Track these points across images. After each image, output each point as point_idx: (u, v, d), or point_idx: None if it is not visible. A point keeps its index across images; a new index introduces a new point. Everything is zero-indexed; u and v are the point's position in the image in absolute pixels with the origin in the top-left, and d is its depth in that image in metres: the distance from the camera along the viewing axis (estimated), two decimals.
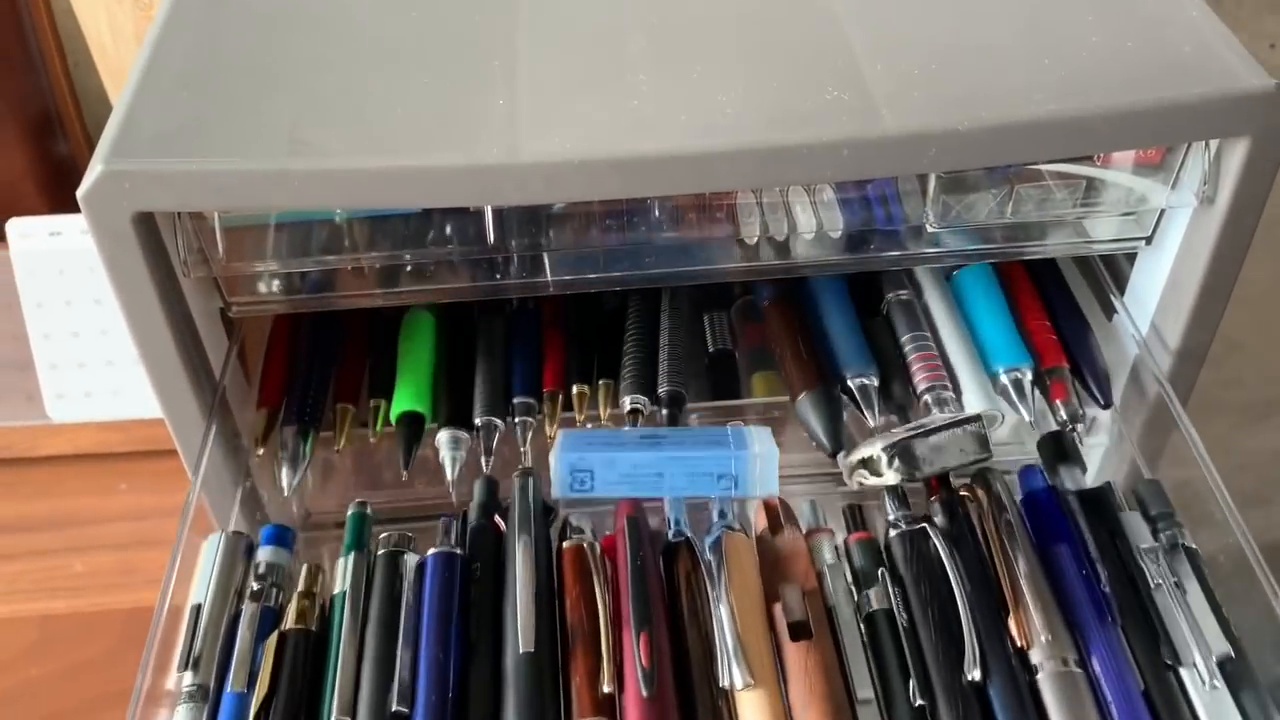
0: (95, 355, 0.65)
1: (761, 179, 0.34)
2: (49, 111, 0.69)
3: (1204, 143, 0.36)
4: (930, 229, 0.40)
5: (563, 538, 0.36)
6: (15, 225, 0.62)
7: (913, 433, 0.37)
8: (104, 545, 0.63)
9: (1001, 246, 0.40)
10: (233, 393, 0.41)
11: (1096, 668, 0.34)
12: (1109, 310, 0.44)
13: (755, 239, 0.39)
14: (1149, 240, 0.40)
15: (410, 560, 0.36)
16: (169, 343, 0.36)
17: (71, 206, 0.63)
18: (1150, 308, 0.41)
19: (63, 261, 0.63)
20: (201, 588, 0.38)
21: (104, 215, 0.34)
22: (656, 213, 0.37)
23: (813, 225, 0.39)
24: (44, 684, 0.57)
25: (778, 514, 0.37)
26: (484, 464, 0.40)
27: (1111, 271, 0.44)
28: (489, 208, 0.36)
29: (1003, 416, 0.43)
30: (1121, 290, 0.43)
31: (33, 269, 0.63)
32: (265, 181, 0.33)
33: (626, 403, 0.41)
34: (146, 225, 0.34)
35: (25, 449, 0.66)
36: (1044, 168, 0.38)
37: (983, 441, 0.38)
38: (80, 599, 0.60)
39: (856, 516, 0.39)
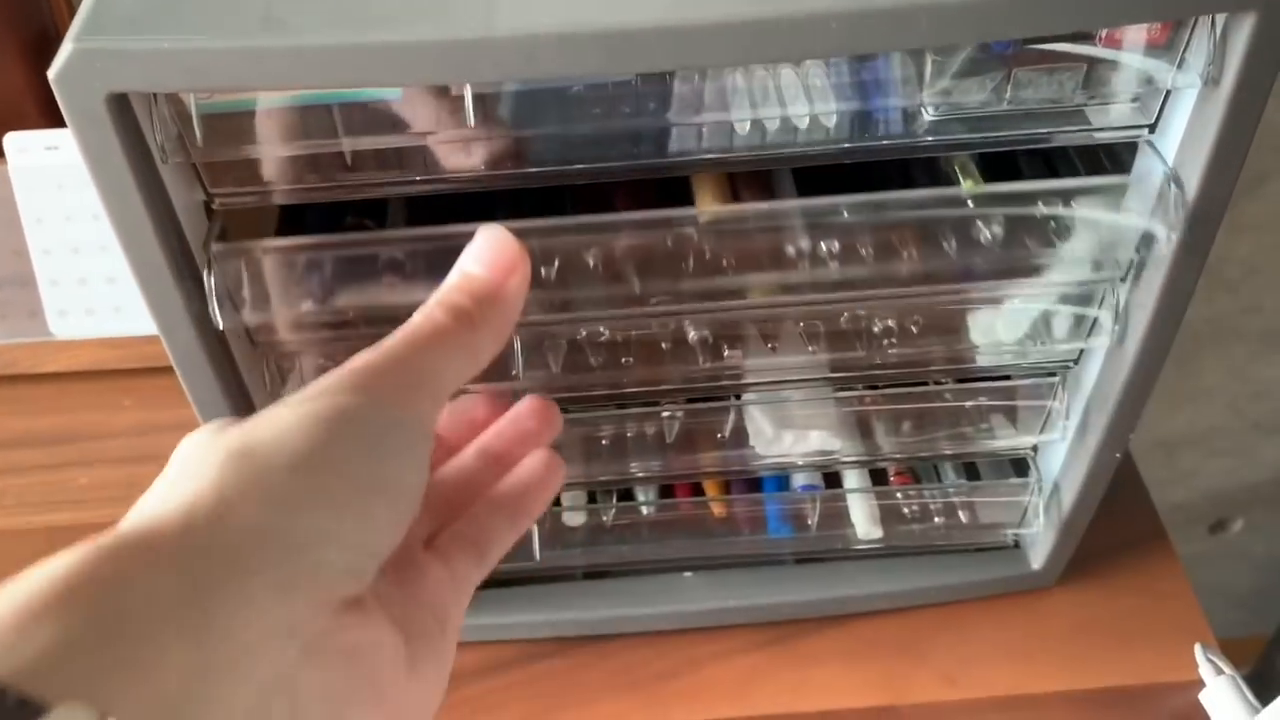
0: (96, 271, 0.65)
1: (747, 54, 0.33)
2: (47, 29, 0.68)
3: (1210, 19, 0.35)
4: (926, 117, 0.38)
5: None
6: (12, 139, 0.62)
7: None
8: (108, 460, 0.64)
9: (999, 135, 0.39)
10: None
11: None
12: None
13: (747, 128, 0.38)
14: (1152, 128, 0.39)
15: None
16: (149, 233, 0.36)
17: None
18: (1152, 199, 0.40)
19: (61, 176, 0.63)
20: None
21: (76, 96, 0.33)
22: (643, 95, 0.36)
23: (805, 112, 0.38)
24: None
25: None
26: None
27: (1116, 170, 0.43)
28: (469, 88, 0.35)
29: None
30: None
31: (31, 184, 0.63)
32: (238, 60, 0.32)
33: None
34: (121, 108, 0.34)
35: (29, 365, 0.66)
36: (1044, 48, 0.36)
37: None
38: (85, 512, 0.61)
39: None
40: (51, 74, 0.33)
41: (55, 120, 0.65)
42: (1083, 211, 0.41)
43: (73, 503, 0.61)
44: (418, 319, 0.31)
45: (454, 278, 0.32)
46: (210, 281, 0.38)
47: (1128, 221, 0.40)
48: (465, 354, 0.31)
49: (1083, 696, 0.52)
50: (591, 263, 0.40)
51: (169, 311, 0.38)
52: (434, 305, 0.31)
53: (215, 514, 0.25)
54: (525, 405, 0.37)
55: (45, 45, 0.68)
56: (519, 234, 0.32)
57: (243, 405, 0.42)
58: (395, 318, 0.35)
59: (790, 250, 0.40)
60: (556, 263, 0.40)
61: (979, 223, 0.41)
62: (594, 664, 0.53)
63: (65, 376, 0.66)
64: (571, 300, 0.42)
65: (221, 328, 0.39)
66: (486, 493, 0.35)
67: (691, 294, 0.42)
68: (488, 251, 0.32)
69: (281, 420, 0.27)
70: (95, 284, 0.65)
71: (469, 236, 0.33)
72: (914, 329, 0.46)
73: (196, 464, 0.27)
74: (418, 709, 0.29)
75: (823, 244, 0.40)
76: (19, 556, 0.58)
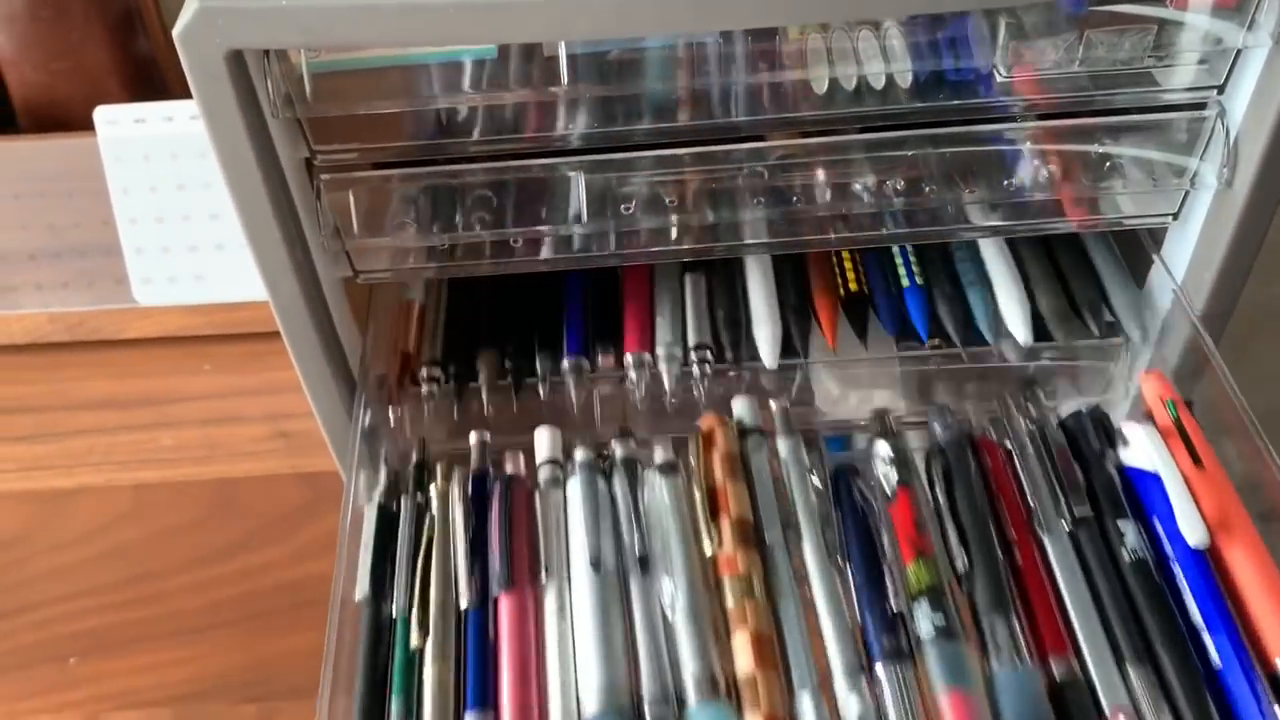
0: (179, 240, 0.67)
1: (830, 11, 0.34)
2: (130, 11, 0.71)
3: None
4: (1000, 78, 0.40)
5: None
6: (102, 112, 0.65)
7: None
8: (190, 421, 0.66)
9: (1072, 95, 0.40)
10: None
11: None
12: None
13: (824, 86, 0.39)
14: (1221, 89, 0.40)
15: None
16: (258, 184, 0.38)
17: (153, 100, 0.65)
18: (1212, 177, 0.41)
19: (148, 147, 0.65)
20: None
21: (198, 53, 0.35)
22: (727, 56, 0.38)
23: (882, 71, 0.39)
24: (138, 546, 0.60)
25: None
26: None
27: None
28: (563, 47, 0.37)
29: None
30: None
31: (119, 155, 0.65)
32: (349, 17, 0.34)
33: None
34: (238, 65, 0.36)
35: (114, 331, 0.69)
36: (1116, 9, 0.38)
37: None
38: (169, 469, 0.64)
39: None
40: (176, 32, 0.35)
41: (138, 96, 0.69)
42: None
43: (157, 462, 0.64)
44: None
45: None
46: (321, 205, 0.40)
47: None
48: None
49: None
50: (667, 199, 0.41)
51: (273, 261, 0.40)
52: None
53: None
54: None
55: (129, 26, 0.71)
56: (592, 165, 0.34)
57: (338, 357, 0.44)
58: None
59: (856, 187, 0.42)
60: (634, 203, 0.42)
61: (1036, 161, 0.42)
62: None
63: (148, 342, 0.69)
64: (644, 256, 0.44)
65: (325, 249, 0.41)
66: None
67: (762, 248, 0.44)
68: None
69: None
70: (178, 253, 0.68)
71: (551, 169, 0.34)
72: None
73: None
74: None
75: (888, 182, 0.42)
76: (108, 511, 0.62)
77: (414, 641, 0.37)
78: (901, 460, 0.41)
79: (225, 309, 0.69)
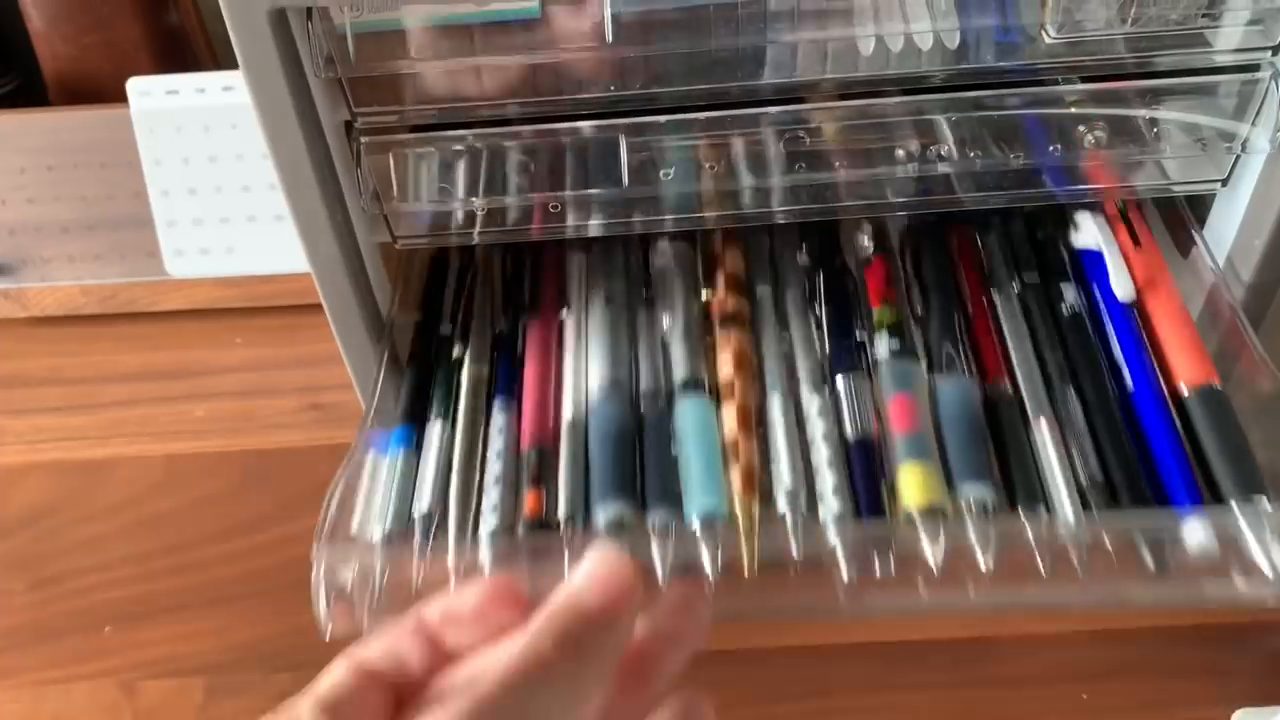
0: (211, 212, 0.67)
1: None
2: None
3: None
4: (1048, 39, 0.39)
5: None
6: (135, 84, 0.65)
7: None
8: (222, 393, 0.66)
9: (1120, 58, 0.40)
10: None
11: None
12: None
13: (871, 46, 0.39)
14: (1276, 49, 0.40)
15: None
16: (300, 144, 0.38)
17: (181, 73, 0.65)
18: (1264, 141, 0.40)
19: (180, 119, 0.65)
20: None
21: (242, 12, 0.35)
22: (773, 15, 0.37)
23: (929, 29, 0.38)
24: (171, 516, 0.60)
25: None
26: None
27: None
28: (607, 5, 0.37)
29: None
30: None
31: (152, 126, 0.65)
32: None
33: None
34: (280, 23, 0.36)
35: (147, 304, 0.69)
36: None
37: None
38: (202, 441, 0.64)
39: None
40: None
41: (167, 70, 0.69)
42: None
43: (190, 433, 0.64)
44: (522, 648, 0.28)
45: (562, 599, 0.29)
46: (361, 168, 0.40)
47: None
48: (570, 690, 0.27)
49: (1181, 632, 0.53)
50: (707, 165, 0.41)
51: (313, 224, 0.40)
52: (540, 633, 0.28)
53: None
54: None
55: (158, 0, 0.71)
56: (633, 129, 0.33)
57: (375, 323, 0.44)
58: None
59: (900, 153, 0.42)
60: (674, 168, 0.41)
61: (1082, 128, 0.41)
62: None
63: (181, 314, 0.69)
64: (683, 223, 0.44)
65: (364, 213, 0.41)
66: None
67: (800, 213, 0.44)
68: (601, 574, 0.30)
69: None
70: (210, 225, 0.68)
71: (594, 132, 0.34)
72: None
73: None
74: None
75: (931, 148, 0.41)
76: (142, 481, 0.62)
77: (455, 352, 0.44)
78: (879, 233, 0.46)
79: (257, 281, 0.69)
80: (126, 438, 0.64)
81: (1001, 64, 0.40)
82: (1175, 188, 0.44)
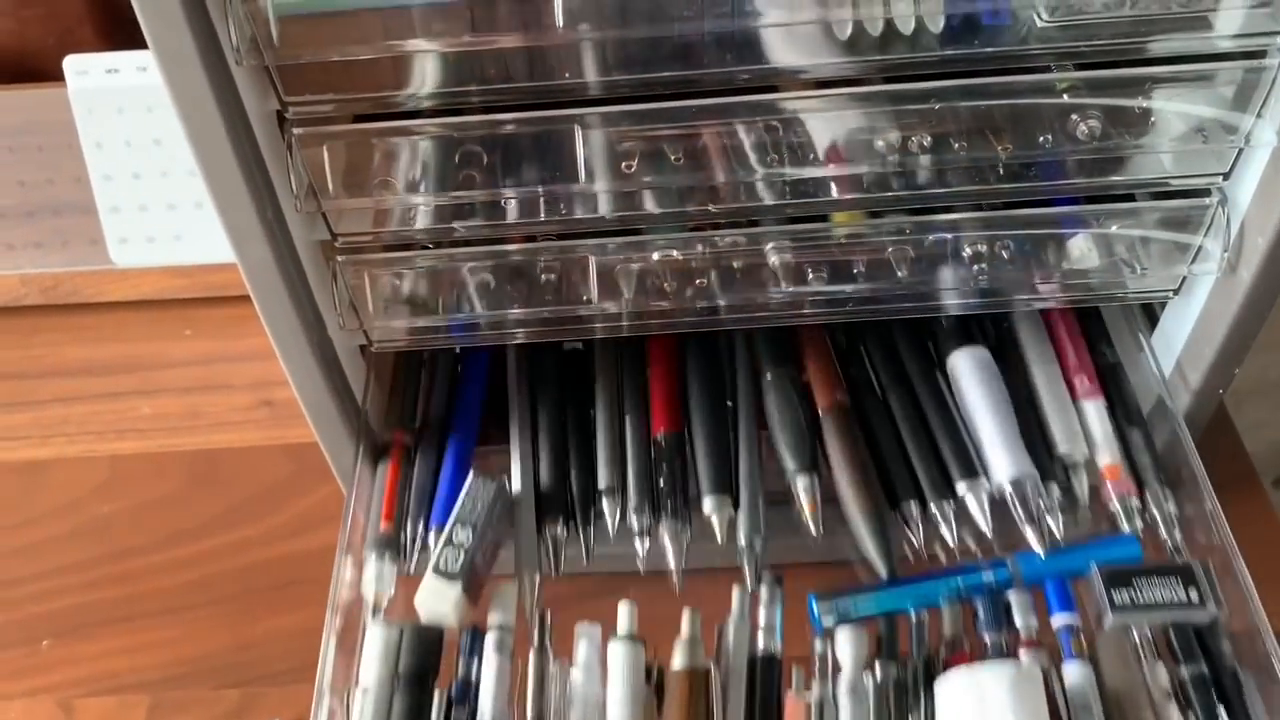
0: (156, 198, 0.64)
1: None
2: None
3: None
4: (1040, 23, 0.36)
5: None
6: (72, 62, 0.61)
7: None
8: (171, 389, 0.63)
9: (1115, 44, 0.37)
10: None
11: None
12: None
13: (848, 31, 0.36)
14: None
15: None
16: (223, 139, 0.35)
17: (130, 49, 0.62)
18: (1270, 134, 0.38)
19: (121, 99, 0.62)
20: None
21: None
22: None
23: (911, 14, 0.35)
24: (114, 521, 0.57)
25: None
26: None
27: None
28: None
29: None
30: None
31: (91, 106, 0.62)
32: None
33: None
34: (197, 5, 0.32)
35: (91, 294, 0.66)
36: None
37: None
38: (148, 440, 0.61)
39: None
40: None
41: (112, 45, 0.65)
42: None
43: (136, 432, 0.61)
44: None
45: None
46: (293, 161, 0.37)
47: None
48: None
49: None
50: (672, 158, 0.38)
51: (241, 223, 0.37)
52: None
53: None
54: None
55: None
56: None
57: (315, 324, 0.41)
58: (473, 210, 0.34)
59: (880, 144, 0.38)
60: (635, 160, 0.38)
61: (1075, 116, 0.38)
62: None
63: (126, 305, 0.66)
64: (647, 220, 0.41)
65: (299, 210, 0.38)
66: None
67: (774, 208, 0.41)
68: None
69: None
70: (156, 211, 0.64)
71: (551, 123, 0.33)
72: (1004, 254, 0.44)
73: None
74: None
75: (913, 138, 0.38)
76: (84, 483, 0.59)
77: None
78: None
79: (207, 270, 0.65)
80: (67, 437, 0.61)
81: (989, 49, 0.36)
82: (1174, 181, 0.41)
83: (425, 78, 0.36)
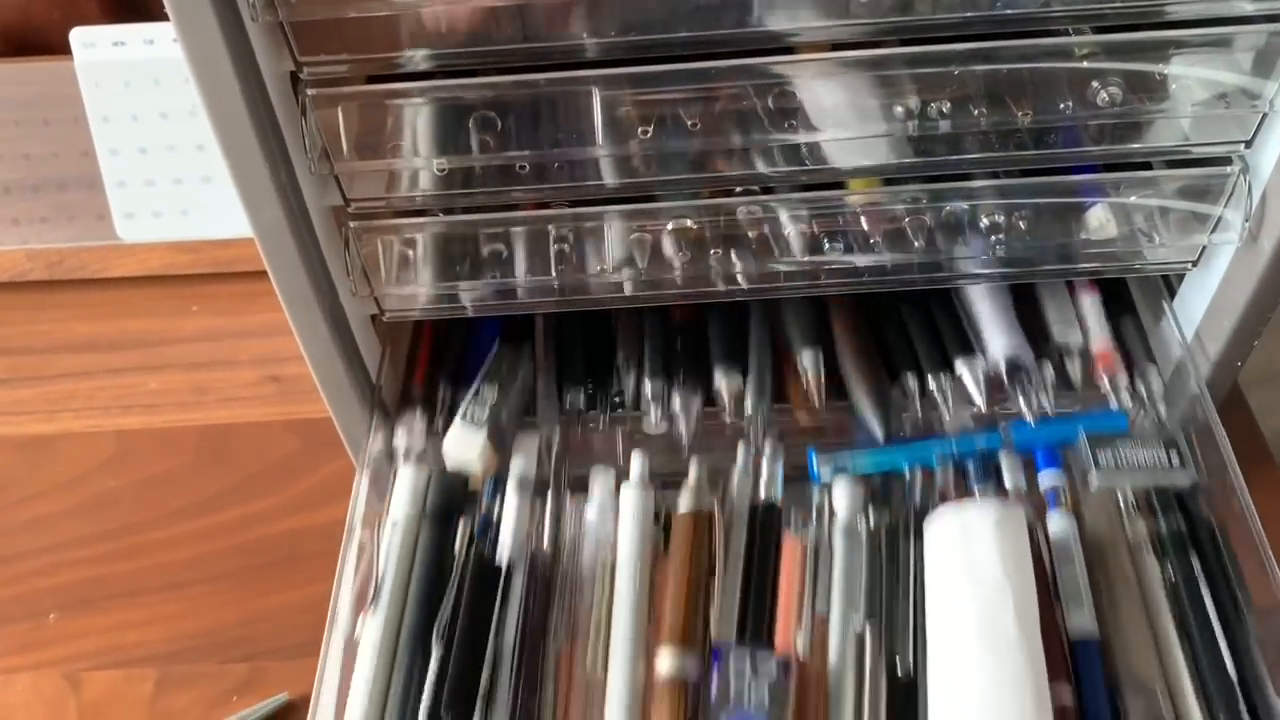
0: (163, 173, 0.64)
1: None
2: None
3: None
4: None
5: None
6: (79, 35, 0.61)
7: None
8: (177, 365, 0.63)
9: (1134, 6, 0.36)
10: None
11: None
12: None
13: None
14: None
15: None
16: (238, 103, 0.34)
17: (133, 23, 0.61)
18: None
19: (128, 73, 0.61)
20: None
21: None
22: None
23: None
24: (121, 495, 0.57)
25: None
26: None
27: None
28: None
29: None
30: None
31: (98, 80, 0.61)
32: None
33: None
34: None
35: (97, 269, 0.65)
36: None
37: None
38: (155, 416, 0.60)
39: None
40: None
41: (118, 18, 0.64)
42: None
43: (142, 407, 0.61)
44: None
45: None
46: (307, 123, 0.36)
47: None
48: None
49: None
50: (689, 123, 0.38)
51: (254, 185, 0.37)
52: None
53: None
54: None
55: None
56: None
57: (327, 291, 0.41)
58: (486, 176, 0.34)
59: (898, 110, 0.38)
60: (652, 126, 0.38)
61: (1094, 82, 0.38)
62: None
63: (133, 281, 0.65)
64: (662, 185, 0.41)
65: (313, 173, 0.38)
66: None
67: (790, 175, 0.40)
68: None
69: None
70: (162, 186, 0.64)
71: (565, 84, 0.33)
72: (1022, 224, 0.43)
73: None
74: None
75: (932, 104, 0.38)
76: (90, 458, 0.58)
77: None
78: None
79: (214, 246, 0.65)
80: (74, 412, 0.61)
81: (1008, 11, 0.36)
82: (1195, 149, 0.41)
83: (440, 38, 0.36)
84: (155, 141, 0.63)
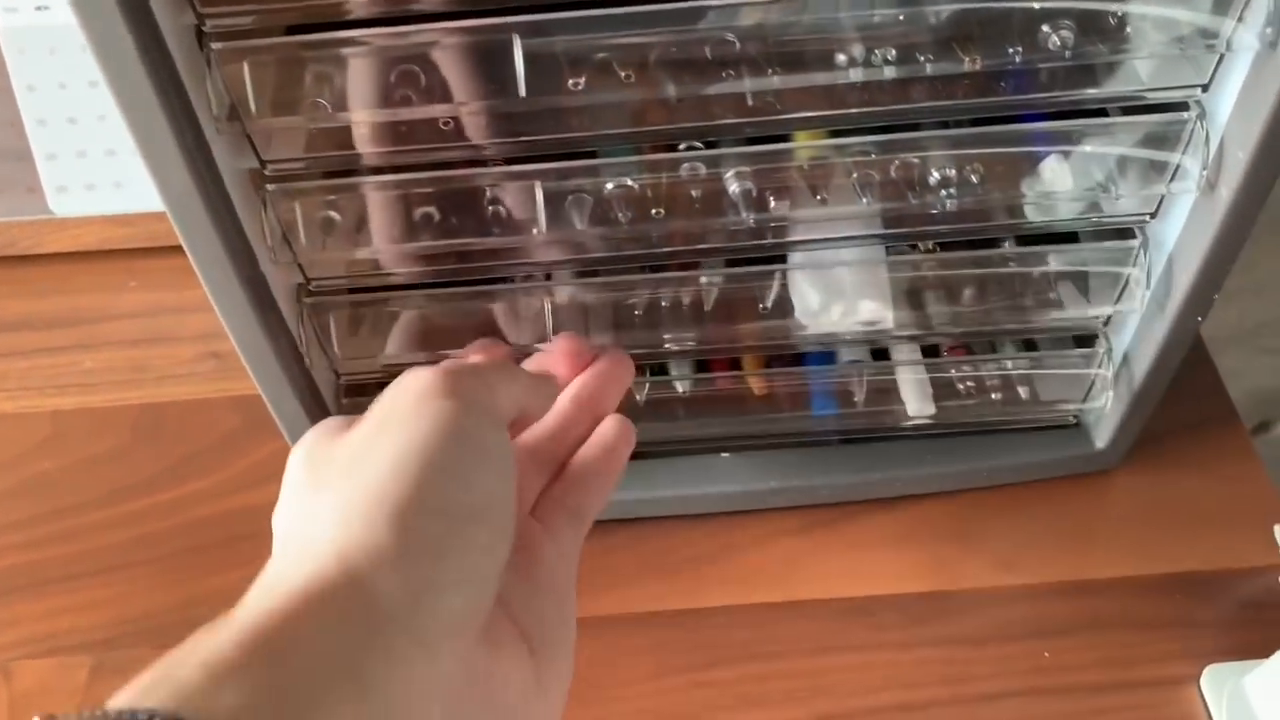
0: (95, 144, 0.61)
1: None
2: None
3: None
4: None
5: None
6: None
7: None
8: (114, 342, 0.61)
9: None
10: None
11: None
12: None
13: None
14: None
15: None
16: (134, 60, 0.32)
17: None
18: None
19: (53, 39, 0.59)
20: None
21: None
22: None
23: None
24: (57, 477, 0.55)
25: None
26: None
27: None
28: None
29: None
30: None
31: (21, 47, 0.59)
32: None
33: None
34: None
35: (30, 245, 0.63)
36: None
37: None
38: (91, 395, 0.58)
39: None
40: None
41: None
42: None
43: (78, 386, 0.59)
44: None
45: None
46: (213, 79, 0.34)
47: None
48: (532, 389, 0.34)
49: (1147, 583, 0.49)
50: (622, 74, 0.36)
51: (159, 150, 0.35)
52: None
53: (358, 572, 0.25)
54: (603, 358, 0.39)
55: None
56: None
57: (246, 259, 0.39)
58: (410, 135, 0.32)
59: (842, 58, 0.36)
60: (584, 77, 0.36)
61: (1045, 26, 0.36)
62: (627, 547, 0.51)
63: (67, 257, 0.63)
64: (597, 141, 0.39)
65: (221, 134, 0.35)
66: (576, 458, 0.36)
67: (732, 129, 0.38)
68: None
69: (388, 449, 0.28)
70: (95, 157, 0.61)
71: (489, 32, 0.31)
72: (974, 178, 0.42)
73: (327, 510, 0.27)
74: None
75: (877, 51, 0.36)
76: (24, 440, 0.56)
77: None
78: None
79: (151, 219, 0.63)
80: (7, 392, 0.59)
81: None
82: (1150, 95, 0.39)
83: None
84: (85, 111, 0.60)
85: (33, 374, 0.59)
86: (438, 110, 0.36)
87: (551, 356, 0.39)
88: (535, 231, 0.41)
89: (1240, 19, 0.36)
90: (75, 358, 0.60)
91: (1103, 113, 0.40)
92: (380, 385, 0.31)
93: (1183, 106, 0.39)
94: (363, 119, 0.37)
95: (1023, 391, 0.50)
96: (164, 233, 0.63)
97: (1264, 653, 0.43)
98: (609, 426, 0.37)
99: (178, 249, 0.62)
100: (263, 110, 0.36)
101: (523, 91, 0.36)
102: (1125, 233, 0.44)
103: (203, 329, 0.60)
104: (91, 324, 0.61)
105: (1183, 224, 0.42)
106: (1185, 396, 0.53)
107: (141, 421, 0.57)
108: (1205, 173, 0.39)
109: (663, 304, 0.47)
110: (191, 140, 0.35)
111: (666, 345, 0.47)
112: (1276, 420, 1.10)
